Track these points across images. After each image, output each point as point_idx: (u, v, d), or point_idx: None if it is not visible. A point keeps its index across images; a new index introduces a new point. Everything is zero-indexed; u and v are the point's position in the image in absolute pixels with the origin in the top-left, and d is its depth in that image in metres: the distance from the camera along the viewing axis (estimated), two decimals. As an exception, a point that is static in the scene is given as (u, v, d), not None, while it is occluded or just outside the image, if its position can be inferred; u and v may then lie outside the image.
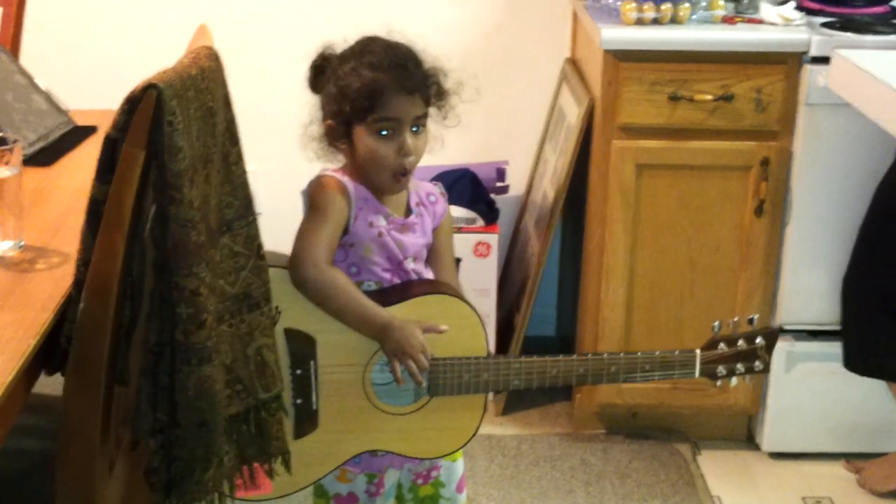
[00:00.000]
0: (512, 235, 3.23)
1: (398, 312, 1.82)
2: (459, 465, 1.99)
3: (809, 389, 2.72)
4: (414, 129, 1.80)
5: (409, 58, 1.82)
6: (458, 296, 1.88)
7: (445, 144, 3.18)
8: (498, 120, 3.18)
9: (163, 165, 1.44)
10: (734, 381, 1.96)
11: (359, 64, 1.80)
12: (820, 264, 2.63)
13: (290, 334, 1.81)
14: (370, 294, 1.83)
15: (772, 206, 2.60)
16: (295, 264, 1.78)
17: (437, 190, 1.95)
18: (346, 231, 1.83)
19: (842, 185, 2.57)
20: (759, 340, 1.94)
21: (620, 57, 2.54)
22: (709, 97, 2.53)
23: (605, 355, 1.92)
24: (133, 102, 1.41)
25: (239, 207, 1.66)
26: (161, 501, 1.63)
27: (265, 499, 1.88)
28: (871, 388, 2.68)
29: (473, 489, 2.61)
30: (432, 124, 1.90)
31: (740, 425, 2.86)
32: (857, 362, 2.59)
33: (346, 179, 1.83)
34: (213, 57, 1.61)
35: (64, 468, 1.57)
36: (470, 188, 2.93)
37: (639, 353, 1.92)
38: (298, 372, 1.82)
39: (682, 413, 2.83)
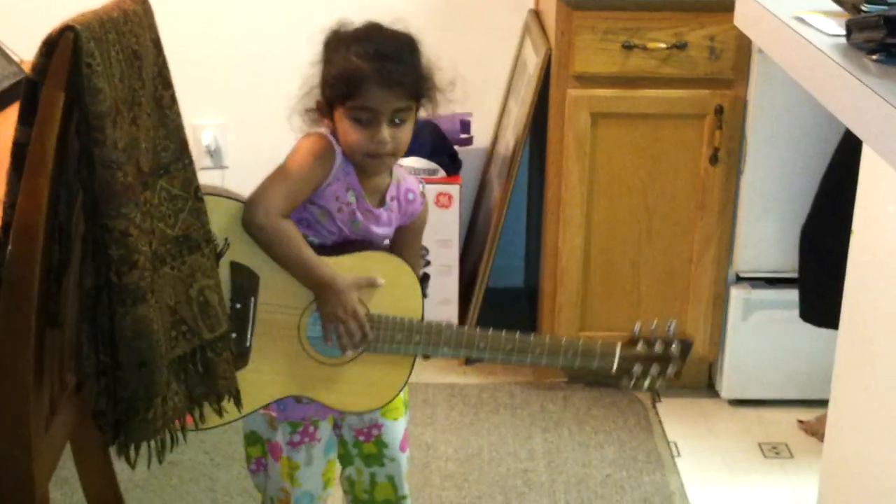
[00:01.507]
0: (478, 188, 3.25)
1: (340, 263, 1.83)
2: (401, 423, 2.00)
3: (766, 337, 2.74)
4: (395, 121, 1.80)
5: (400, 51, 1.82)
6: (405, 259, 1.90)
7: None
8: (462, 72, 3.17)
9: (84, 107, 1.46)
10: (646, 384, 1.96)
11: (349, 50, 1.81)
12: (776, 212, 2.65)
13: (236, 268, 1.82)
14: (314, 246, 1.84)
15: (727, 155, 2.62)
16: (248, 205, 1.79)
17: (418, 189, 1.95)
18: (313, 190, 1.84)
19: (797, 133, 2.58)
20: (674, 347, 1.96)
21: (574, 6, 2.54)
22: (662, 45, 2.53)
23: (532, 337, 1.93)
24: (51, 45, 1.43)
25: (175, 150, 1.68)
26: (110, 442, 1.66)
27: (191, 430, 1.85)
28: (828, 335, 2.69)
29: (432, 436, 2.65)
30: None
31: (700, 373, 2.89)
32: (813, 313, 2.60)
33: (338, 149, 1.84)
34: (140, 1, 1.62)
35: (-2, 409, 1.60)
36: (431, 139, 2.94)
37: (563, 339, 1.94)
38: (238, 306, 1.84)
39: (643, 361, 2.85)
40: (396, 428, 1.99)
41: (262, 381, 1.86)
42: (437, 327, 1.89)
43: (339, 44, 1.83)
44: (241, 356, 1.85)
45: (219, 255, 1.80)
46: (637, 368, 1.94)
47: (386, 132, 1.79)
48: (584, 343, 1.94)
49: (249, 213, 1.79)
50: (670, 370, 1.96)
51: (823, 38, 1.41)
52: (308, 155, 1.82)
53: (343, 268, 1.84)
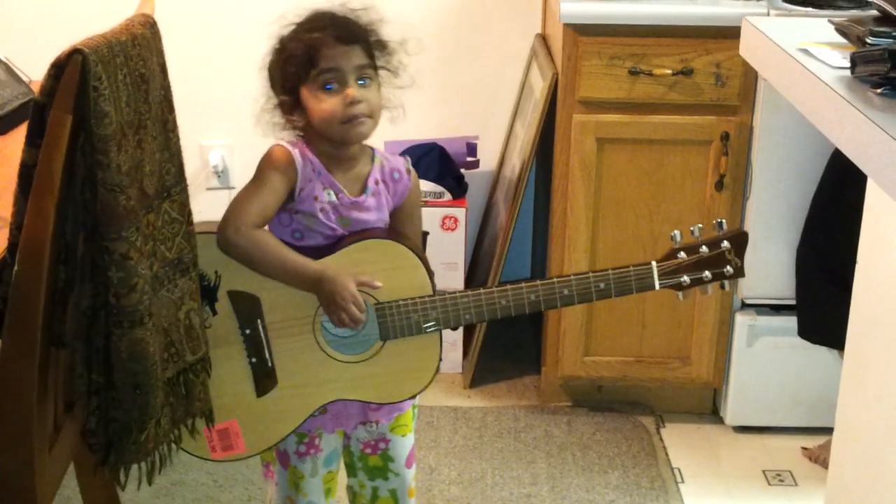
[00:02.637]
0: (485, 211, 3.26)
1: (332, 262, 1.84)
2: (409, 440, 2.01)
3: (772, 364, 2.73)
4: (360, 81, 1.83)
5: (343, 14, 1.87)
6: (394, 239, 1.88)
7: (416, 119, 3.22)
8: (469, 95, 3.20)
9: (90, 130, 1.47)
10: (709, 289, 1.89)
11: (299, 32, 1.86)
12: (781, 239, 2.64)
13: (234, 296, 1.84)
14: (304, 251, 1.85)
15: (732, 181, 2.62)
16: (219, 229, 1.82)
17: (403, 167, 1.96)
18: (291, 198, 1.86)
19: (802, 160, 2.58)
20: (724, 244, 1.87)
21: (580, 31, 2.55)
22: (668, 71, 2.54)
23: (556, 279, 1.87)
24: (59, 67, 1.44)
25: (175, 174, 1.70)
26: (100, 462, 1.66)
27: (240, 458, 1.93)
28: (832, 361, 2.69)
29: (436, 459, 2.65)
30: (391, 91, 1.92)
31: (705, 399, 2.88)
32: (809, 331, 2.62)
33: (296, 151, 1.86)
34: (149, 24, 1.63)
35: (1, 429, 1.60)
36: (438, 162, 2.95)
37: (590, 273, 1.87)
38: (248, 332, 1.86)
39: (647, 386, 2.86)
40: (404, 443, 2.00)
41: (297, 394, 1.88)
42: (452, 297, 1.86)
43: (287, 37, 1.86)
44: (268, 377, 1.87)
45: (214, 289, 1.82)
46: (686, 278, 1.87)
47: (356, 90, 1.81)
48: (614, 272, 1.87)
49: (221, 235, 1.82)
50: (728, 270, 1.87)
51: (828, 71, 1.41)
52: (265, 166, 1.85)
53: (335, 265, 1.84)
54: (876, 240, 1.57)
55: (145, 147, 1.60)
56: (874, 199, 1.53)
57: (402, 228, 1.95)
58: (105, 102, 1.46)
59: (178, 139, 1.68)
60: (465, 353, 2.99)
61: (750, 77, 2.55)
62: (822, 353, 2.68)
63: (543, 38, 3.06)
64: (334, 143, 1.87)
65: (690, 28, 2.54)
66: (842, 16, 2.49)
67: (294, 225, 1.87)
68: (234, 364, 1.87)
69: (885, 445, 1.56)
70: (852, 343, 1.66)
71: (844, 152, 1.29)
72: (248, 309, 1.85)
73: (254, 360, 1.87)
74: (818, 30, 1.56)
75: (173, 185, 1.69)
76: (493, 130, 3.20)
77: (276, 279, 1.83)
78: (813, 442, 2.74)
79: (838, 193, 2.47)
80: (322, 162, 1.87)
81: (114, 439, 1.64)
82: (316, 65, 1.82)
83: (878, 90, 1.30)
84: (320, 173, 1.86)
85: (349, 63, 1.82)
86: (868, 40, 1.32)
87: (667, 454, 2.71)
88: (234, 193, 1.86)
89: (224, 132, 3.20)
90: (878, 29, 1.32)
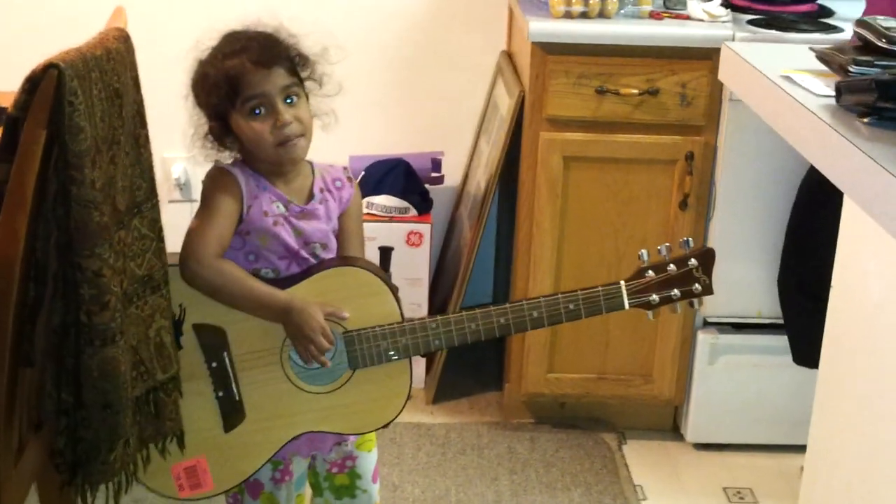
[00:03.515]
0: (448, 226, 3.26)
1: (299, 291, 1.82)
2: (373, 455, 2.00)
3: (733, 381, 2.76)
4: (287, 100, 1.81)
5: (263, 36, 1.84)
6: (361, 265, 1.87)
7: (381, 134, 3.22)
8: (435, 111, 3.20)
9: (64, 145, 1.45)
10: (678, 308, 1.88)
11: (217, 59, 1.82)
12: (743, 258, 2.67)
13: (199, 329, 1.81)
14: (270, 281, 1.83)
15: (696, 200, 2.64)
16: (181, 261, 1.79)
17: (343, 175, 1.95)
18: (241, 220, 1.83)
19: (765, 180, 2.62)
20: (692, 262, 1.87)
21: (548, 49, 2.56)
22: (634, 91, 2.56)
23: (525, 301, 1.86)
24: (34, 82, 1.42)
25: (147, 190, 1.68)
26: (67, 482, 1.64)
27: (208, 496, 1.88)
28: (793, 380, 2.72)
29: (399, 476, 2.63)
30: (319, 99, 1.90)
31: (666, 416, 2.90)
32: (803, 357, 2.62)
33: (236, 170, 1.84)
34: (123, 38, 1.61)
35: (-34, 448, 1.57)
36: (403, 178, 2.95)
37: (559, 295, 1.86)
38: (214, 365, 1.83)
39: (610, 403, 2.87)
40: (370, 459, 2.00)
41: (266, 428, 1.85)
42: (422, 323, 1.85)
43: (206, 63, 1.84)
44: (236, 411, 1.84)
45: (179, 322, 1.79)
46: (655, 297, 1.87)
47: (285, 112, 1.80)
48: (583, 292, 1.86)
49: (183, 268, 1.79)
50: (696, 288, 1.87)
51: (813, 99, 1.43)
52: (210, 192, 1.83)
53: (302, 294, 1.82)
54: (850, 263, 1.59)
55: (118, 163, 1.58)
56: (848, 222, 1.55)
57: (348, 236, 1.94)
58: (80, 118, 1.44)
59: (149, 154, 1.66)
60: (428, 370, 2.98)
61: (714, 98, 2.58)
62: (783, 371, 2.70)
63: (509, 55, 3.06)
64: (272, 165, 1.85)
65: (656, 48, 2.56)
66: (821, 43, 2.54)
67: (247, 247, 1.84)
68: (201, 399, 1.83)
69: (857, 466, 1.58)
70: (825, 365, 1.67)
71: (834, 182, 1.30)
72: (213, 342, 1.82)
73: (220, 394, 1.84)
74: (798, 56, 1.58)
75: (144, 200, 1.67)
76: (458, 146, 3.20)
77: (243, 310, 1.81)
78: (773, 461, 2.77)
79: (812, 217, 2.50)
80: (264, 176, 1.85)
81: (81, 459, 1.61)
82: (239, 93, 1.79)
83: (865, 119, 1.32)
84: (265, 187, 1.84)
85: (273, 86, 1.79)
86: (851, 69, 1.34)
87: (629, 471, 2.72)
88: (195, 207, 1.83)
89: (186, 145, 3.16)
90: (861, 58, 1.34)
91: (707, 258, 1.89)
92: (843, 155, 1.24)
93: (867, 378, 1.50)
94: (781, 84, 1.47)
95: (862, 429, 1.54)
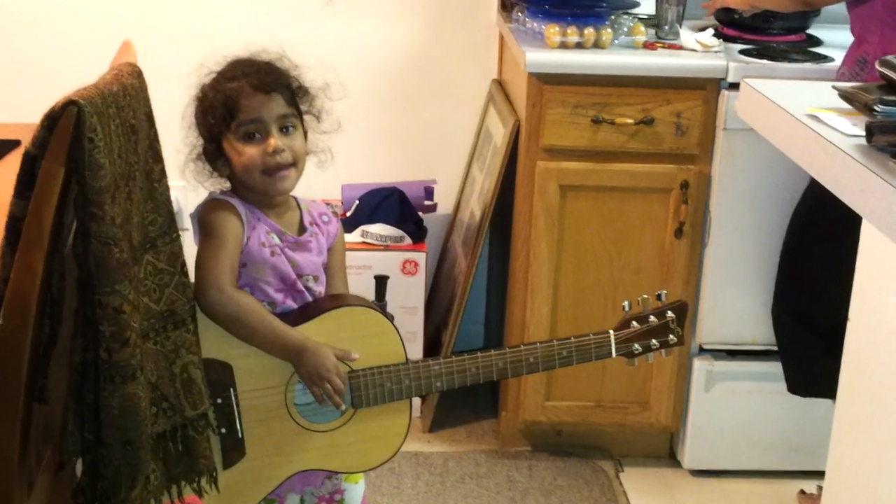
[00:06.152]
0: (440, 254, 3.26)
1: (306, 331, 1.82)
2: (361, 486, 2.00)
3: (729, 408, 2.77)
4: (283, 129, 1.82)
5: (266, 64, 1.85)
6: (368, 305, 1.89)
7: (373, 163, 3.22)
8: (426, 139, 3.22)
9: (84, 182, 1.45)
10: (651, 357, 1.99)
11: (219, 82, 1.83)
12: (738, 285, 2.69)
13: (206, 364, 1.79)
14: (275, 315, 1.83)
15: (691, 228, 2.67)
16: (199, 292, 1.77)
17: (329, 210, 1.97)
18: (240, 250, 1.83)
19: (758, 208, 2.64)
20: (669, 314, 1.98)
21: (544, 80, 2.59)
22: (630, 121, 2.58)
23: (522, 347, 1.94)
24: (53, 119, 1.42)
25: (162, 224, 1.67)
26: (88, 520, 1.62)
27: None
28: (789, 406, 2.74)
29: (398, 507, 2.63)
30: (317, 136, 1.91)
31: (662, 443, 2.91)
32: (797, 386, 2.64)
33: (235, 200, 1.84)
34: (136, 74, 1.62)
35: (-20, 487, 1.56)
36: (398, 207, 2.95)
37: (554, 341, 1.95)
38: (219, 401, 1.81)
39: (606, 431, 2.88)
40: (358, 491, 2.00)
41: (265, 465, 1.84)
42: (425, 365, 1.88)
43: (207, 86, 1.85)
44: (237, 448, 1.83)
45: None
46: (637, 346, 1.97)
47: (278, 139, 1.80)
48: (576, 340, 1.95)
49: (203, 298, 1.78)
50: (671, 339, 1.98)
51: (840, 138, 1.44)
52: (217, 219, 1.82)
53: (309, 335, 1.82)
54: (869, 294, 1.60)
55: (134, 198, 1.58)
56: (866, 254, 1.56)
57: (335, 272, 1.95)
58: (100, 154, 1.44)
59: (165, 189, 1.66)
60: (425, 398, 2.98)
61: (709, 127, 2.61)
62: (778, 397, 2.72)
63: (500, 84, 3.08)
64: (259, 194, 1.85)
65: (651, 79, 2.59)
66: (813, 72, 2.56)
67: (243, 279, 1.84)
68: None
69: (878, 494, 1.59)
70: (844, 396, 1.68)
71: (868, 220, 1.31)
72: (220, 377, 1.81)
73: (223, 430, 1.82)
74: (819, 94, 1.60)
75: (159, 235, 1.67)
76: (450, 174, 3.22)
77: (256, 344, 1.80)
78: (771, 486, 2.79)
79: (807, 245, 2.52)
80: (257, 207, 1.86)
81: (101, 497, 1.60)
82: (235, 116, 1.80)
83: None
84: (260, 218, 1.85)
85: (270, 112, 1.80)
86: (876, 108, 1.36)
87: (627, 499, 2.72)
88: (187, 236, 1.83)
89: (179, 174, 3.16)
90: (887, 97, 1.36)
91: (682, 311, 2.01)
92: (877, 195, 1.26)
93: (889, 408, 1.51)
94: (808, 123, 1.48)
95: (884, 458, 1.55)
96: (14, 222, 1.46)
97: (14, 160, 2.11)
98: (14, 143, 2.21)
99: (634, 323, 1.98)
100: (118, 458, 1.57)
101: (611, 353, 1.97)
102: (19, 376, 1.51)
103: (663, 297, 2.01)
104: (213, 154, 1.84)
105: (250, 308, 1.79)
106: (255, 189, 1.83)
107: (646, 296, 2.00)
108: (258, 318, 1.79)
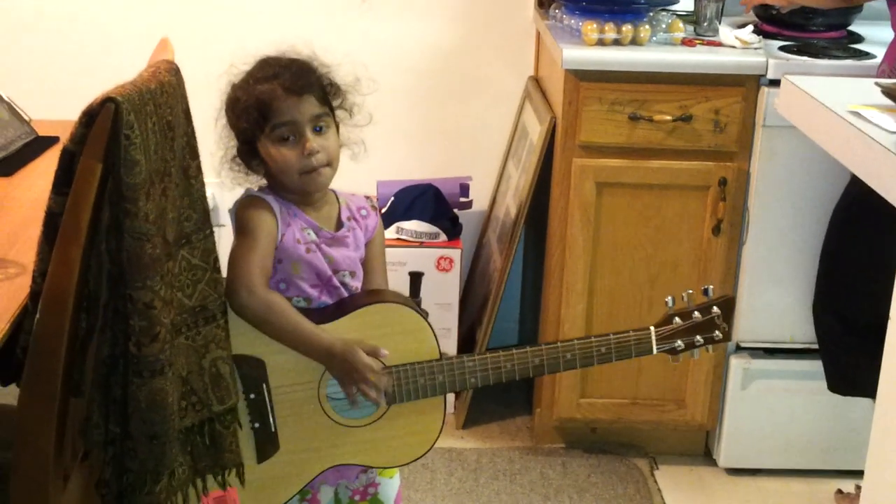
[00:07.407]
0: (475, 250, 3.26)
1: (339, 327, 1.83)
2: (396, 481, 2.01)
3: (765, 406, 2.75)
4: (316, 129, 1.82)
5: (296, 63, 1.84)
6: (401, 301, 1.89)
7: (409, 159, 3.23)
8: (462, 136, 3.21)
9: (119, 178, 1.46)
10: (696, 353, 1.95)
11: (249, 84, 1.83)
12: (776, 283, 2.67)
13: (239, 360, 1.80)
14: (307, 312, 1.83)
15: (729, 226, 2.64)
16: (230, 291, 1.78)
17: (368, 203, 1.96)
18: (275, 247, 1.84)
19: (797, 206, 2.62)
20: (714, 310, 1.94)
21: (581, 77, 2.57)
22: (668, 118, 2.57)
23: (559, 343, 1.91)
24: (91, 115, 1.43)
25: (197, 220, 1.68)
26: (112, 513, 1.64)
27: None
28: (826, 405, 2.72)
29: (433, 502, 2.63)
30: (349, 129, 1.91)
31: (698, 441, 2.89)
32: (838, 384, 2.61)
33: (270, 197, 1.85)
34: (174, 71, 1.62)
35: (18, 478, 1.57)
36: (433, 203, 2.95)
37: (592, 338, 1.92)
38: (252, 396, 1.83)
39: (641, 428, 2.86)
40: (392, 485, 2.00)
41: (299, 460, 1.85)
42: (459, 361, 1.88)
43: (238, 87, 1.84)
44: (270, 442, 1.84)
45: None
46: (679, 343, 1.93)
47: (313, 141, 1.80)
48: (615, 337, 1.92)
49: (234, 297, 1.78)
50: (717, 335, 1.94)
51: (884, 135, 1.42)
52: (249, 219, 1.83)
53: (342, 331, 1.83)
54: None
55: (169, 195, 1.59)
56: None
57: (375, 268, 1.95)
58: (136, 151, 1.45)
59: (201, 185, 1.67)
60: (458, 394, 2.98)
61: (747, 124, 2.59)
62: (815, 396, 2.70)
63: (537, 81, 3.07)
64: (293, 197, 1.86)
65: (689, 75, 2.57)
66: (854, 69, 2.52)
67: (278, 276, 1.85)
68: None
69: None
70: (884, 396, 1.66)
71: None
72: (253, 373, 1.82)
73: (256, 425, 1.84)
74: (860, 91, 1.58)
75: (194, 231, 1.68)
76: (485, 170, 3.21)
77: (286, 343, 1.81)
78: (808, 485, 2.76)
79: (848, 242, 2.49)
80: (294, 203, 1.86)
81: (127, 490, 1.61)
82: (269, 119, 1.80)
83: None
84: (296, 214, 1.86)
85: (303, 114, 1.80)
86: (920, 106, 1.34)
87: (662, 497, 2.71)
88: (223, 232, 1.84)
89: (215, 170, 3.18)
90: (930, 94, 1.34)
91: (728, 306, 1.96)
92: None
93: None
94: (851, 119, 1.46)
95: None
96: (52, 217, 1.48)
97: (53, 156, 2.14)
98: (53, 140, 2.24)
99: (677, 319, 1.94)
100: (144, 452, 1.58)
101: (651, 350, 1.94)
102: (56, 370, 1.52)
103: (710, 293, 1.96)
104: (248, 155, 1.85)
105: (279, 310, 1.80)
106: (292, 189, 1.84)
107: (690, 290, 1.96)
108: (287, 320, 1.80)
